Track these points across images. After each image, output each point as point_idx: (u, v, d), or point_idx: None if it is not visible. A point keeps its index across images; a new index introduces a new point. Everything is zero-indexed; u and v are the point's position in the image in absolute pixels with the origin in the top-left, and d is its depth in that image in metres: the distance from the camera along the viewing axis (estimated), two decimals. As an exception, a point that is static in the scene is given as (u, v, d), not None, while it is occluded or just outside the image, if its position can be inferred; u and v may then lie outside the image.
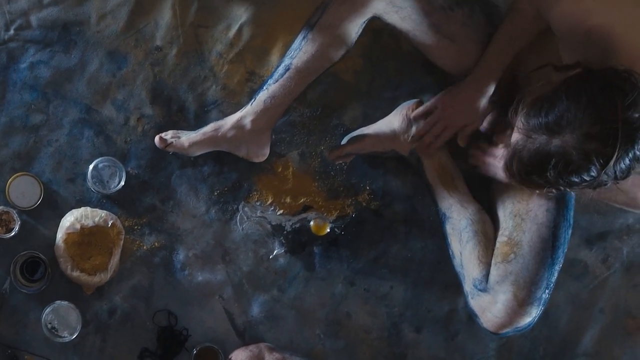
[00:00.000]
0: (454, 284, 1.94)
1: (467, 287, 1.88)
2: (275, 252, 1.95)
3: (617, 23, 1.51)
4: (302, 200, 1.96)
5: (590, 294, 2.01)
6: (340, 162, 1.95)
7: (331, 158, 1.94)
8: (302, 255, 1.95)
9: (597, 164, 1.35)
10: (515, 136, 1.43)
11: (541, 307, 1.81)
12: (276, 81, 1.83)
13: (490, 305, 1.82)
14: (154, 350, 1.90)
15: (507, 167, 1.45)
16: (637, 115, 1.35)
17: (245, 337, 1.93)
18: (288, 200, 1.96)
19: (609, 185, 1.40)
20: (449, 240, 1.93)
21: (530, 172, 1.41)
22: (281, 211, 1.95)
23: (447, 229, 1.93)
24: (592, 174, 1.36)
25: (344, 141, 1.95)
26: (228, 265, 1.94)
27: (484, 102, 1.81)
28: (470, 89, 1.81)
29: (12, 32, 1.90)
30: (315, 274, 1.96)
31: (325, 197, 1.96)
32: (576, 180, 1.37)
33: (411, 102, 1.90)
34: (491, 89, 1.80)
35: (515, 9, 1.76)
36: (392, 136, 1.90)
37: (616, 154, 1.34)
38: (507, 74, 1.83)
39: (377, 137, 1.92)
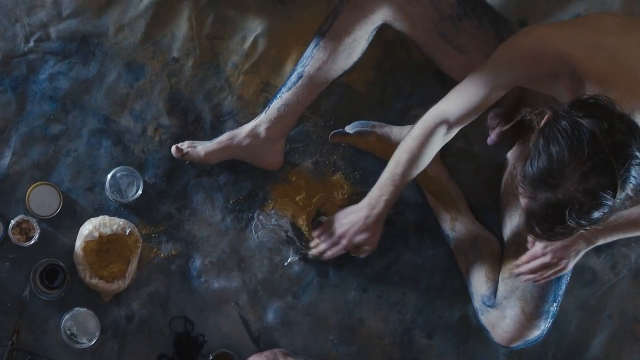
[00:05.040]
0: (464, 290, 1.97)
1: (477, 303, 1.91)
2: (289, 259, 1.98)
3: (572, 47, 1.51)
4: (316, 207, 1.99)
5: (598, 300, 2.04)
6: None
7: (331, 140, 1.95)
8: (316, 262, 1.97)
9: (606, 195, 1.33)
10: (524, 201, 1.42)
11: (550, 320, 1.83)
12: (289, 89, 1.85)
13: (499, 321, 1.85)
14: (171, 356, 1.92)
15: (530, 230, 1.42)
16: (619, 135, 1.33)
17: (261, 343, 1.96)
18: (302, 208, 1.99)
19: (635, 198, 1.38)
20: (456, 260, 1.95)
21: (551, 227, 1.38)
22: (296, 219, 1.98)
23: (452, 249, 1.96)
24: (608, 204, 1.34)
25: (350, 128, 1.95)
26: (243, 273, 1.96)
27: (378, 224, 1.83)
28: (363, 211, 1.82)
29: (31, 43, 1.93)
30: (329, 280, 1.98)
31: (339, 205, 1.99)
32: (597, 215, 1.35)
33: None
34: (384, 212, 1.80)
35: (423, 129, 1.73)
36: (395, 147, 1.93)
37: (619, 178, 1.32)
38: (515, 88, 1.85)
39: (382, 140, 1.94)
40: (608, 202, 1.33)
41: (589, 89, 1.47)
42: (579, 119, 1.34)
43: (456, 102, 1.71)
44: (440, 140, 1.74)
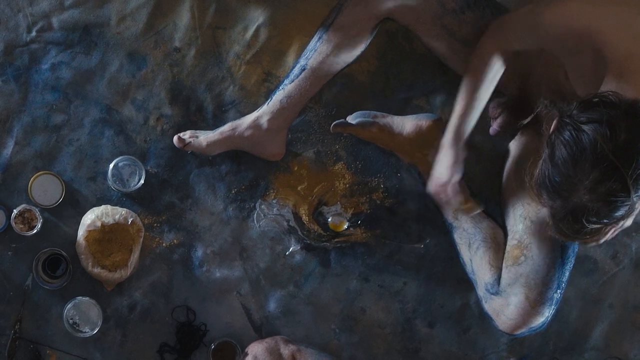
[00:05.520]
0: (465, 279, 1.97)
1: (480, 291, 1.91)
2: (291, 248, 1.98)
3: (603, 24, 1.50)
4: (317, 197, 2.00)
5: (599, 289, 2.04)
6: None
7: (333, 130, 1.94)
8: (318, 251, 1.98)
9: (621, 197, 1.32)
10: (545, 210, 1.44)
11: (553, 307, 1.83)
12: (292, 81, 1.86)
13: (503, 308, 1.85)
14: (173, 345, 1.93)
15: (561, 233, 1.43)
16: (624, 135, 1.32)
17: (262, 332, 1.96)
18: (304, 197, 1.99)
19: None
20: (459, 249, 1.95)
21: (580, 229, 1.39)
22: (298, 209, 1.99)
23: (455, 238, 1.96)
24: (626, 203, 1.33)
25: (352, 118, 1.94)
26: (245, 262, 1.97)
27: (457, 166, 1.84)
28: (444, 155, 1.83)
29: (34, 33, 1.93)
30: (330, 270, 1.99)
31: (341, 195, 2.00)
32: (619, 214, 1.35)
33: (430, 117, 1.90)
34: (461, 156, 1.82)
35: (478, 58, 1.75)
36: (398, 138, 1.92)
37: (629, 179, 1.31)
38: (517, 78, 1.85)
39: (384, 131, 1.93)
40: (625, 203, 1.33)
41: (611, 70, 1.46)
42: (582, 125, 1.34)
43: (507, 27, 1.72)
44: (499, 64, 1.73)
